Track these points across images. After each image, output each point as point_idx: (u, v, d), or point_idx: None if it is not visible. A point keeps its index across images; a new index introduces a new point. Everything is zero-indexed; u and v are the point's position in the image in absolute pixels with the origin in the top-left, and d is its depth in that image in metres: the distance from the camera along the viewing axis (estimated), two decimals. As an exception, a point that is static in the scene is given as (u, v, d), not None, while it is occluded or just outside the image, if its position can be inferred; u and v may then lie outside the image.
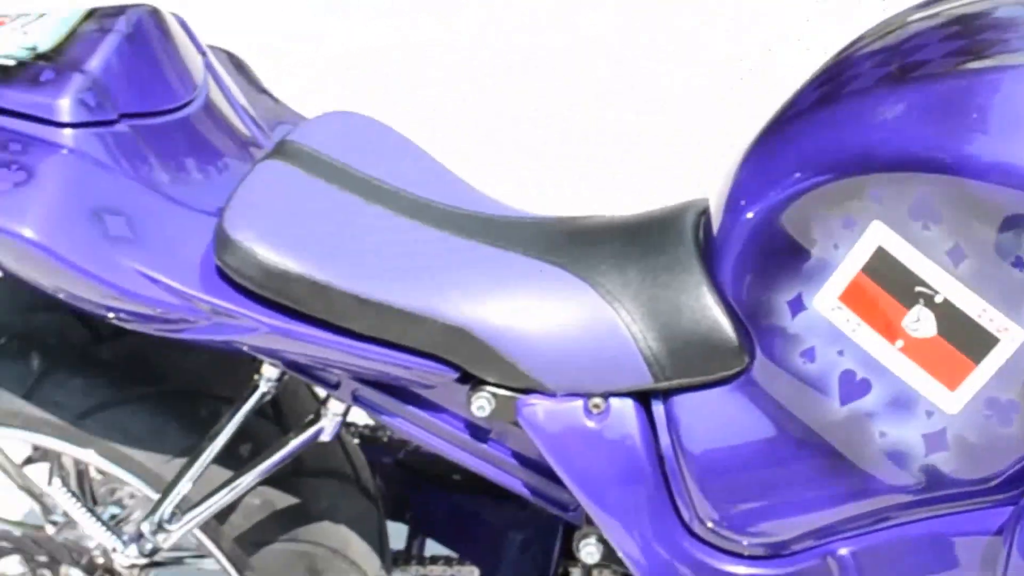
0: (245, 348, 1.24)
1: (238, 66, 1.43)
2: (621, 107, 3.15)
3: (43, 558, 1.50)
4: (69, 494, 1.32)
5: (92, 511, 1.33)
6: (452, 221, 1.28)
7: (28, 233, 1.13)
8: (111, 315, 1.22)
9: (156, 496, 1.34)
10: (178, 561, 1.57)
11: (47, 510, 1.54)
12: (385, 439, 1.61)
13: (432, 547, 1.66)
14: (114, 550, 1.31)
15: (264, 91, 1.44)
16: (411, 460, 1.64)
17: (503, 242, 1.26)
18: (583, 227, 1.28)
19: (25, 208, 1.14)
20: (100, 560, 1.48)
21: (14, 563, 1.54)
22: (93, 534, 1.32)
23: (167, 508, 1.30)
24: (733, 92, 3.15)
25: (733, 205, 1.16)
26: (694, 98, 3.15)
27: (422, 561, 1.63)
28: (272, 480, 1.38)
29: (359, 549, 1.46)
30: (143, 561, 1.30)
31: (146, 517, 1.30)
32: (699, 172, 2.76)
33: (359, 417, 1.62)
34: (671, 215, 1.26)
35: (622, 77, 3.28)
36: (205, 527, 1.37)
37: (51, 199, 1.15)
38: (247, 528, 1.38)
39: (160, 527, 1.30)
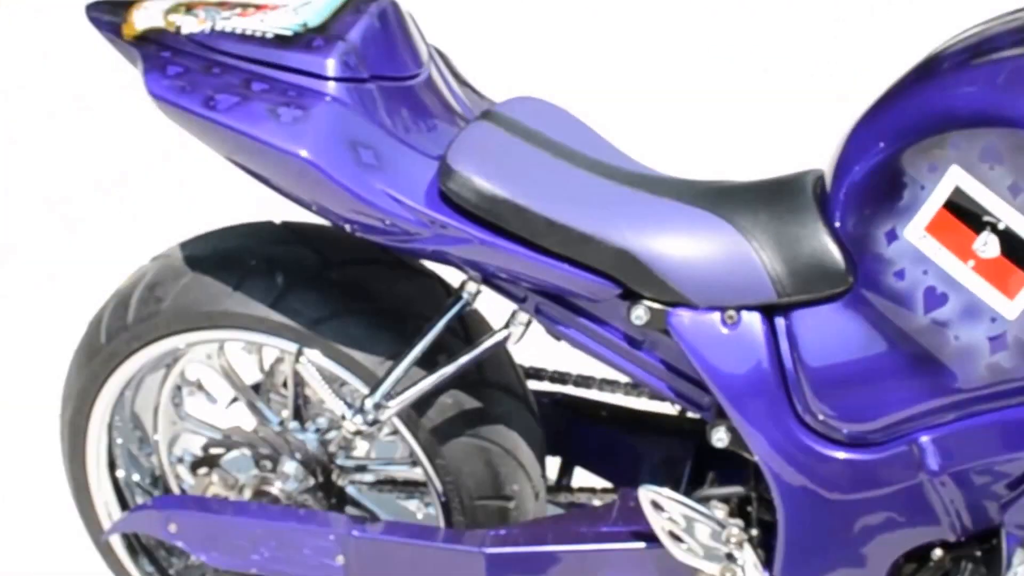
0: (455, 259, 1.60)
1: (444, 59, 1.80)
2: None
3: (267, 452, 1.86)
4: (316, 371, 1.67)
5: (332, 388, 1.69)
6: (620, 175, 1.63)
7: (304, 154, 1.51)
8: (349, 227, 1.59)
9: (367, 390, 1.68)
10: (385, 483, 1.91)
11: (264, 418, 1.89)
12: (547, 379, 1.95)
13: (580, 478, 1.98)
14: (343, 417, 1.66)
15: (465, 82, 1.80)
16: (566, 400, 1.97)
17: (660, 192, 1.60)
18: (723, 184, 1.62)
19: (301, 137, 1.52)
20: (319, 454, 1.83)
21: (241, 458, 1.90)
22: (330, 404, 1.67)
23: (383, 390, 1.65)
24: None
25: (844, 163, 1.50)
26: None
27: (571, 491, 1.96)
28: (462, 385, 1.72)
29: (526, 455, 1.79)
30: (365, 428, 1.65)
31: (368, 395, 1.65)
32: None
33: (525, 362, 1.95)
34: (794, 177, 1.60)
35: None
36: (406, 420, 1.71)
37: (320, 132, 1.53)
38: (439, 422, 1.72)
39: (377, 407, 1.65)
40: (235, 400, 1.97)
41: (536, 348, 1.79)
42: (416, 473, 1.87)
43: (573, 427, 1.95)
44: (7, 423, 2.46)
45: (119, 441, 1.92)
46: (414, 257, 1.69)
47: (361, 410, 1.65)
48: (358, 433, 1.67)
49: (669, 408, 1.91)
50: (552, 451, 1.95)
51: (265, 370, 1.94)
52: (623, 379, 1.91)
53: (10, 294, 2.83)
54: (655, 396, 1.71)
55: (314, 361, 1.69)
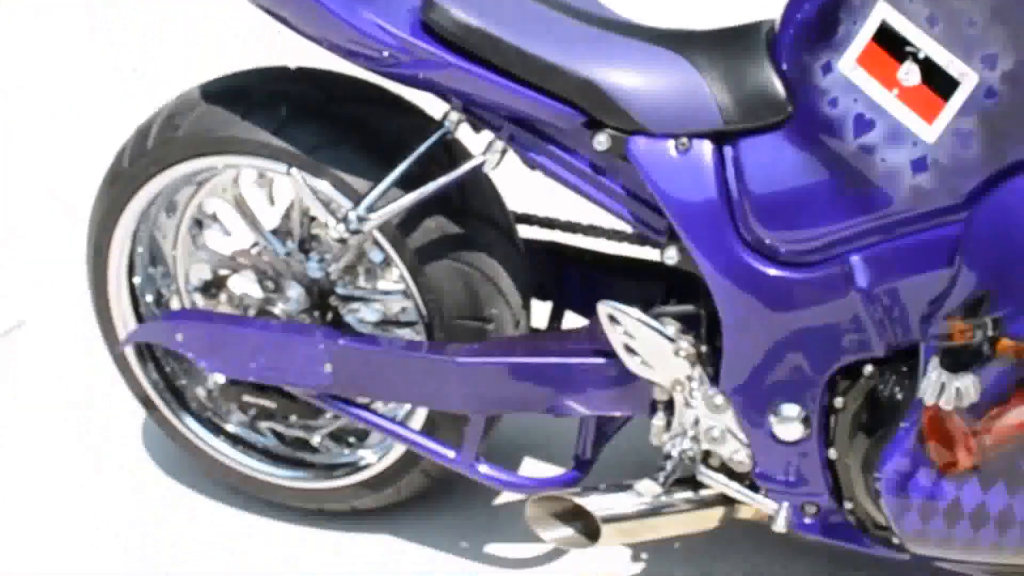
0: (438, 87, 1.76)
1: None
2: None
3: (271, 275, 2.03)
4: (307, 186, 1.84)
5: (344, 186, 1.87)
6: (590, 18, 1.78)
7: None
8: (352, 58, 1.77)
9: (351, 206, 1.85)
10: (382, 324, 2.07)
11: (272, 246, 2.06)
12: (536, 223, 2.10)
13: (570, 322, 2.14)
14: (326, 225, 1.84)
15: None
16: (555, 247, 2.12)
17: (624, 33, 1.75)
18: (685, 31, 1.77)
19: None
20: (319, 281, 2.01)
21: (246, 281, 2.08)
22: (317, 213, 1.84)
23: (366, 203, 1.81)
24: None
25: (790, 8, 1.63)
26: None
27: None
28: (446, 211, 1.89)
29: (506, 283, 1.95)
30: (348, 236, 1.82)
31: (352, 208, 1.82)
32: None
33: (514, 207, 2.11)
34: (750, 25, 1.74)
35: None
36: (392, 239, 1.88)
37: None
38: (422, 243, 1.88)
39: (360, 219, 1.81)
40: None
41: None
42: (408, 307, 2.04)
43: (562, 272, 2.11)
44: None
45: (139, 250, 2.10)
46: (405, 84, 1.85)
47: (345, 220, 1.82)
48: (341, 241, 1.84)
49: (650, 254, 2.08)
50: (543, 296, 2.11)
51: (275, 204, 2.11)
52: (608, 225, 2.08)
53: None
54: (622, 220, 1.85)
55: (309, 182, 1.85)
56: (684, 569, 2.04)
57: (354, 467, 2.10)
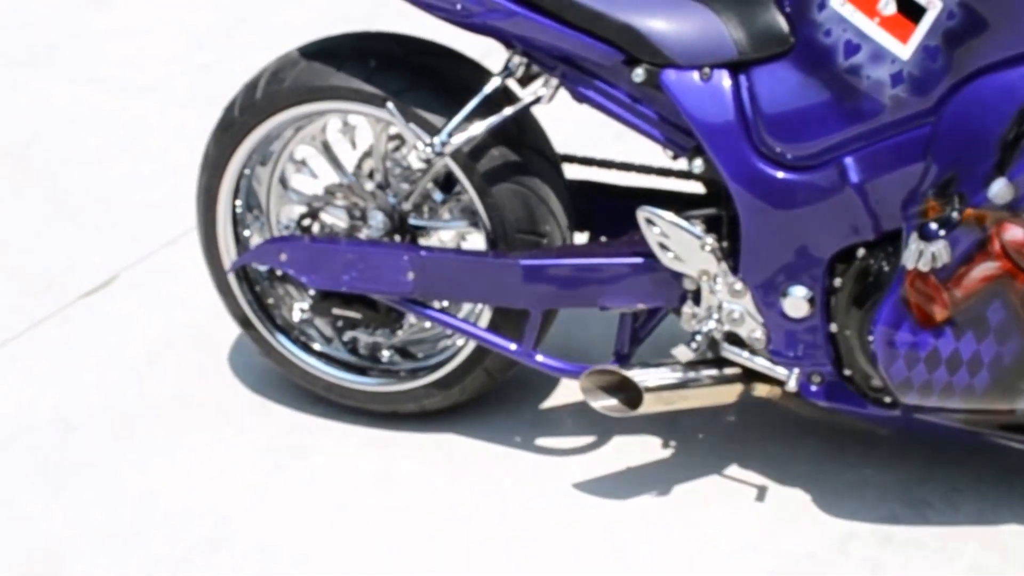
0: (503, 33, 2.18)
1: None
2: None
3: (358, 206, 2.42)
4: (400, 116, 2.23)
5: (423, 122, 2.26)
6: None
7: None
8: (432, 11, 2.19)
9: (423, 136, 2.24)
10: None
11: (356, 183, 2.44)
12: (576, 162, 2.50)
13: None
14: (415, 146, 2.24)
15: None
16: (591, 183, 2.52)
17: None
18: None
19: None
20: (398, 209, 2.39)
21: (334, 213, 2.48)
22: (406, 135, 2.23)
23: (447, 130, 2.21)
24: None
25: None
26: None
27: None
28: (507, 143, 2.29)
29: (556, 205, 2.34)
30: (433, 157, 2.21)
31: (436, 134, 2.22)
32: None
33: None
34: None
35: None
36: (463, 166, 2.27)
37: None
38: (488, 168, 2.27)
39: (442, 143, 2.21)
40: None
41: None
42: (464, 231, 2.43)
43: (597, 205, 2.50)
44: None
45: (241, 190, 2.48)
46: (474, 32, 2.25)
47: (430, 144, 2.22)
48: (427, 162, 2.23)
49: (673, 186, 2.47)
50: (581, 227, 2.50)
51: (365, 151, 2.50)
52: (637, 161, 2.48)
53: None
54: (655, 142, 2.24)
55: (395, 116, 2.24)
56: (706, 458, 2.42)
57: (426, 370, 2.47)
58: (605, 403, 2.24)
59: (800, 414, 2.38)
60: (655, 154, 2.37)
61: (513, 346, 2.33)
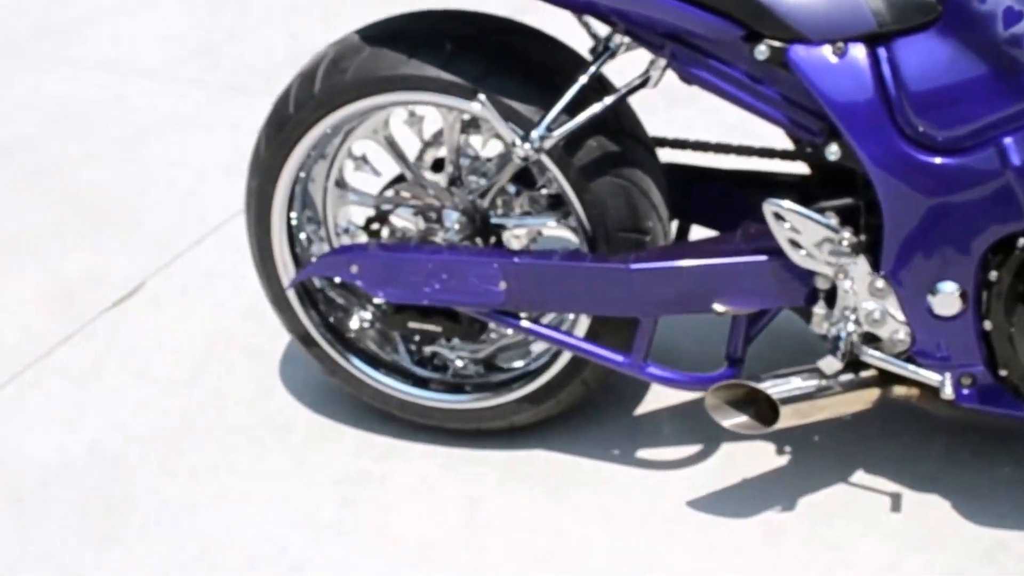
0: (604, 8, 1.93)
1: None
2: None
3: (432, 206, 2.16)
4: (492, 108, 1.98)
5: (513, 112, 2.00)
6: None
7: None
8: None
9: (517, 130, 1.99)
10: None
11: (425, 181, 2.19)
12: (667, 145, 2.26)
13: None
14: (513, 144, 1.98)
15: None
16: (681, 167, 2.28)
17: None
18: None
19: None
20: (478, 208, 2.15)
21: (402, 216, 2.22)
22: (503, 132, 1.97)
23: (546, 122, 1.96)
24: None
25: None
26: None
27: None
28: (604, 131, 2.03)
29: (657, 198, 2.10)
30: (532, 154, 1.96)
31: (534, 126, 1.96)
32: None
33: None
34: None
35: None
36: (557, 160, 2.02)
37: None
38: (586, 161, 2.02)
39: (541, 137, 1.96)
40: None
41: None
42: (563, 229, 2.18)
43: (690, 189, 2.26)
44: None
45: (297, 193, 2.22)
46: (575, 11, 1.99)
47: (527, 139, 1.96)
48: (525, 159, 1.97)
49: (771, 166, 2.24)
50: (672, 214, 2.26)
51: (426, 140, 2.24)
52: (732, 142, 2.24)
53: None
54: (777, 125, 2.00)
55: (488, 109, 1.98)
56: (826, 464, 2.20)
57: (516, 383, 2.23)
58: (736, 421, 2.01)
59: (930, 413, 2.17)
60: (734, 132, 2.13)
61: (620, 358, 2.09)
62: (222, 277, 2.75)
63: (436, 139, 2.25)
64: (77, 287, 2.78)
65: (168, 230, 2.94)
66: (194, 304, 2.72)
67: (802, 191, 2.13)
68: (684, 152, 2.26)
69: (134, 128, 3.37)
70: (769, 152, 2.21)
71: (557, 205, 2.17)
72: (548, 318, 2.21)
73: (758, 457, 2.23)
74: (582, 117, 1.97)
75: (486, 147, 2.21)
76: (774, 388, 1.97)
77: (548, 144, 1.97)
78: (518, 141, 1.97)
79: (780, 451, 2.24)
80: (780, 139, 2.20)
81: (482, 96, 1.98)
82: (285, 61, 3.49)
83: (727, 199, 2.24)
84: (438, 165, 2.26)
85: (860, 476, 2.18)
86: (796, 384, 1.99)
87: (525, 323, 2.12)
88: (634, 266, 2.01)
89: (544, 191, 2.17)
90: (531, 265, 2.05)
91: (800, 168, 2.24)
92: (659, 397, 2.36)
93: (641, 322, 2.06)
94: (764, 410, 2.00)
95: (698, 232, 2.27)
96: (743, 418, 2.01)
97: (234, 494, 2.26)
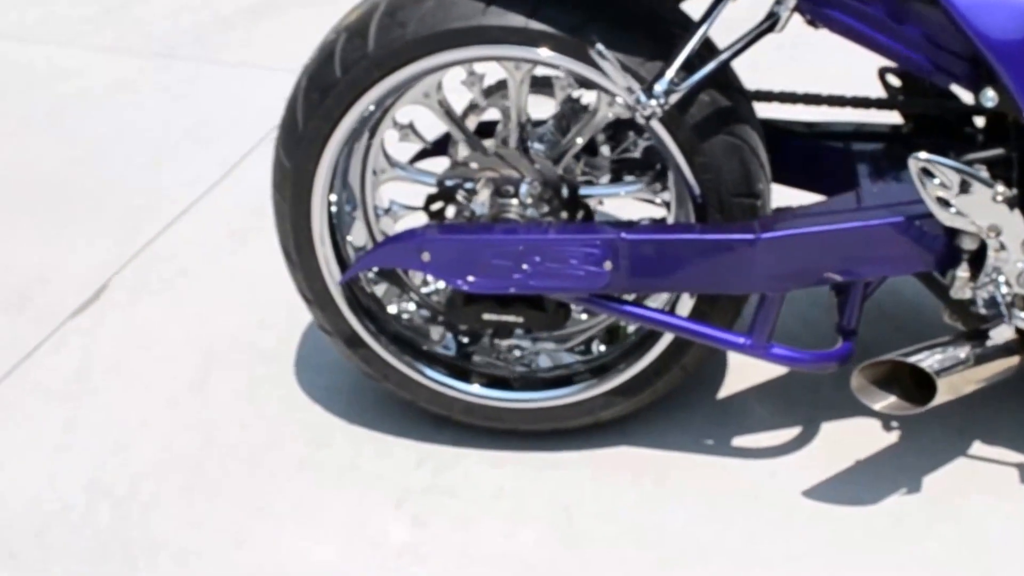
0: None
1: None
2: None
3: (506, 178, 1.88)
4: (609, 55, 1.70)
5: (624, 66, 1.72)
6: None
7: None
8: None
9: (635, 84, 1.72)
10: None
11: (483, 149, 1.91)
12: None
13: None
14: (638, 101, 1.69)
15: None
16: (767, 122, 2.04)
17: None
18: None
19: None
20: (559, 176, 1.88)
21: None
22: (622, 84, 1.69)
23: (670, 74, 1.69)
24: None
25: None
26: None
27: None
28: (714, 85, 1.77)
29: (763, 157, 1.85)
30: (658, 111, 1.69)
31: (656, 79, 1.69)
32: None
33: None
34: None
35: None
36: (666, 120, 1.76)
37: None
38: (698, 119, 1.76)
39: (666, 92, 1.69)
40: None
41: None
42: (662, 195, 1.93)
43: (776, 145, 2.01)
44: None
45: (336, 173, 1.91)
46: None
47: (650, 93, 1.70)
48: (649, 117, 1.70)
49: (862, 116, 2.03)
50: None
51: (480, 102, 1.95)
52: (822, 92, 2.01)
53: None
54: (917, 71, 1.78)
55: (607, 61, 1.70)
56: (941, 438, 2.01)
57: (610, 372, 1.97)
58: (887, 402, 1.78)
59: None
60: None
61: (742, 340, 1.84)
62: (205, 267, 2.40)
63: (478, 103, 1.96)
64: (32, 293, 2.40)
65: (129, 215, 2.56)
66: (177, 300, 2.37)
67: (905, 142, 1.94)
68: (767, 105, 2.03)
69: (58, 101, 2.96)
70: (864, 102, 1.99)
71: (642, 170, 1.92)
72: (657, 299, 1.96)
73: (865, 435, 2.02)
74: (709, 66, 1.71)
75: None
76: (927, 362, 1.77)
77: (674, 99, 1.70)
78: (642, 97, 1.70)
79: (887, 427, 2.03)
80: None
81: (600, 45, 1.69)
82: (210, 20, 3.12)
83: (817, 155, 2.01)
84: (482, 131, 1.98)
85: (978, 447, 1.99)
86: (945, 355, 1.78)
87: (628, 307, 1.86)
88: (764, 235, 1.76)
89: (626, 155, 1.92)
90: (643, 241, 1.79)
91: (888, 118, 2.04)
92: (740, 377, 2.13)
93: (766, 298, 1.82)
94: (910, 389, 1.79)
95: (779, 193, 2.04)
96: (892, 399, 1.79)
97: (280, 524, 1.94)
